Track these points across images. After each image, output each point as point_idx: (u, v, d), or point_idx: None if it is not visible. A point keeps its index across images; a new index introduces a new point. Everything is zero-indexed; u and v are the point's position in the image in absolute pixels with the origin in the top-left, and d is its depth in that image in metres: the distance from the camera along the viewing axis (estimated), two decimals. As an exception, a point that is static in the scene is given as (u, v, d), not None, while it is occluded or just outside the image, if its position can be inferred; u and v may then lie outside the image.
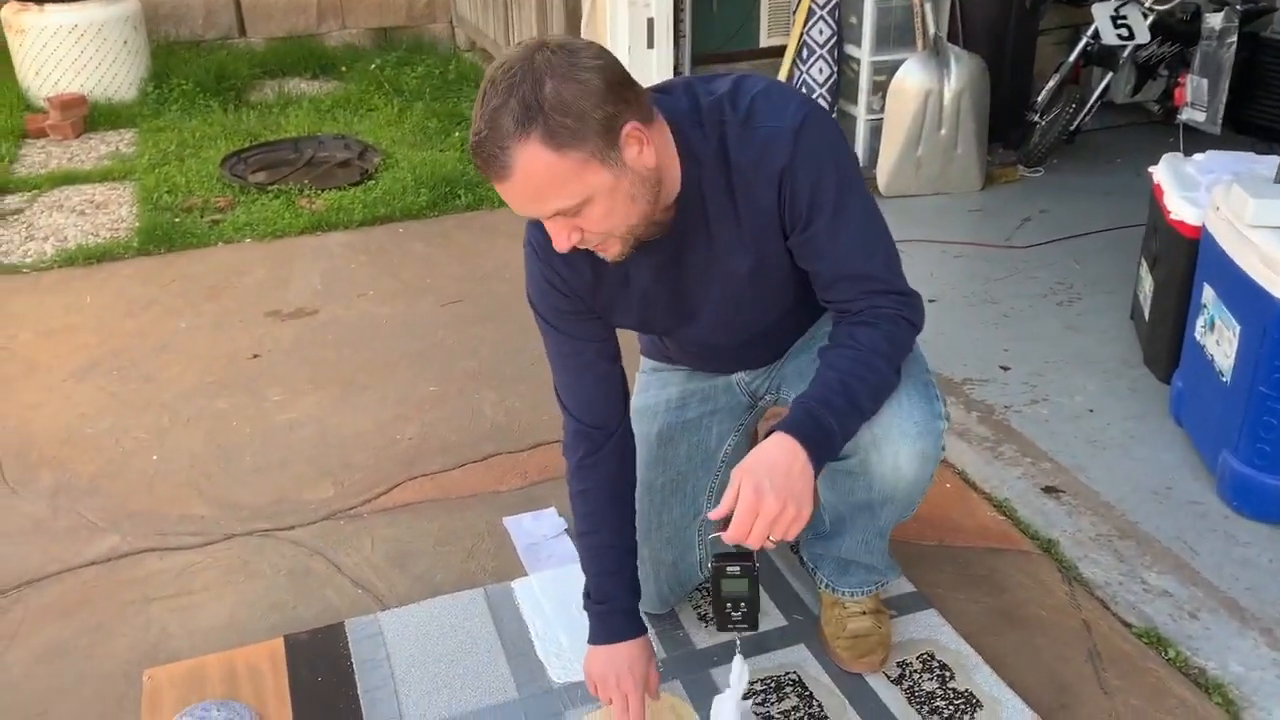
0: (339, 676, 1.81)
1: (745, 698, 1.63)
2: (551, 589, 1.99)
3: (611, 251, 1.42)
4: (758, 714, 1.72)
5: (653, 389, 1.90)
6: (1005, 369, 2.75)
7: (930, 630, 1.89)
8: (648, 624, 1.69)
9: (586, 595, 1.67)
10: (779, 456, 1.39)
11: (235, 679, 1.81)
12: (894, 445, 1.54)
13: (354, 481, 2.38)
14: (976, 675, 1.79)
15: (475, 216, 3.87)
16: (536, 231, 1.52)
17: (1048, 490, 2.29)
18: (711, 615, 1.52)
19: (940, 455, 1.61)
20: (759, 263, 1.52)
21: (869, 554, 1.77)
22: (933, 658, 1.83)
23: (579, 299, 1.57)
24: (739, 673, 1.51)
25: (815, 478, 1.42)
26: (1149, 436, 2.47)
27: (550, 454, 2.45)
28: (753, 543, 1.36)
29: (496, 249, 3.60)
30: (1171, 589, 2.00)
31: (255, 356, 2.96)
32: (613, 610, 1.64)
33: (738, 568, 1.48)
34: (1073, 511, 2.22)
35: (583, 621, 1.88)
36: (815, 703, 1.74)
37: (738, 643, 1.51)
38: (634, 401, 1.92)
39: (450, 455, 2.47)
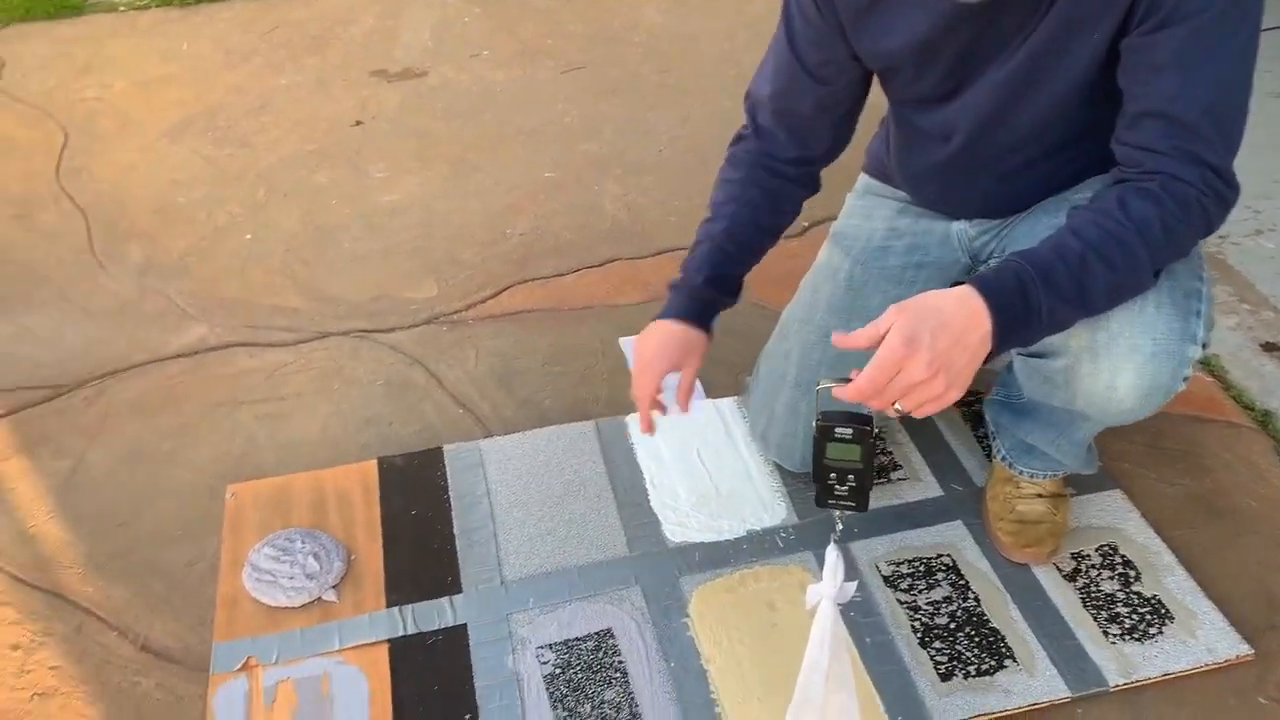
0: (435, 512, 1.64)
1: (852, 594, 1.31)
2: (671, 428, 1.75)
3: None
4: (902, 602, 1.49)
5: (856, 217, 1.59)
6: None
7: (1114, 516, 1.60)
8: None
9: (675, 279, 1.50)
10: (955, 313, 1.07)
11: (323, 504, 1.65)
12: (1115, 362, 1.20)
13: (459, 281, 2.15)
14: (1168, 579, 1.51)
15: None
16: None
17: (1267, 347, 1.91)
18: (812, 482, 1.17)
19: (1178, 389, 1.24)
20: (1058, 56, 1.18)
21: (1059, 453, 1.47)
22: (1115, 551, 1.55)
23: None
24: (834, 566, 1.19)
25: (990, 359, 1.10)
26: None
27: (677, 262, 2.14)
28: (878, 404, 1.07)
29: (626, 4, 3.17)
30: None
31: (358, 124, 2.69)
32: (679, 286, 1.47)
33: (849, 430, 1.11)
34: (1296, 378, 1.85)
35: (705, 472, 1.66)
36: (971, 595, 1.50)
37: (838, 526, 1.19)
38: (835, 226, 1.63)
39: (564, 258, 2.20)
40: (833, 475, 1.13)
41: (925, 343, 1.04)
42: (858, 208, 1.61)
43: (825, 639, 1.20)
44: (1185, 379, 1.22)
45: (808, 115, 1.41)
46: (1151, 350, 1.19)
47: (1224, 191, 1.13)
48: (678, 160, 2.44)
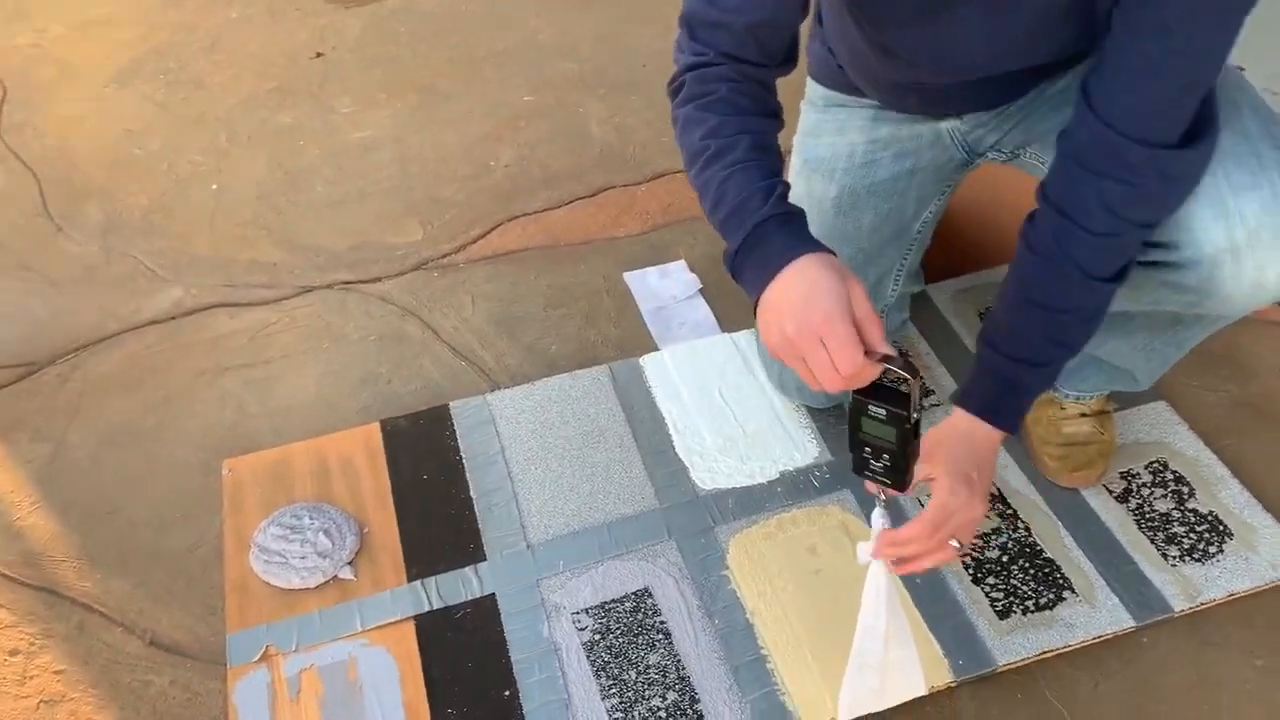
0: (448, 475, 1.54)
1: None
2: (688, 367, 1.66)
3: None
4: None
5: (827, 134, 1.44)
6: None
7: (1161, 430, 1.53)
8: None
9: (733, 237, 1.06)
10: (984, 444, 1.16)
11: (327, 475, 1.55)
12: (1264, 254, 1.08)
13: (444, 222, 2.02)
14: (1222, 492, 1.45)
15: None
16: None
17: (1299, 238, 1.83)
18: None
19: None
20: None
21: (1144, 359, 1.37)
22: (1165, 467, 1.48)
23: None
24: (879, 527, 1.13)
25: None
26: None
27: (674, 187, 2.04)
28: (942, 555, 1.12)
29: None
30: None
31: (318, 55, 2.52)
32: (773, 219, 1.03)
33: (883, 411, 1.00)
34: (1334, 268, 1.77)
35: (729, 412, 1.57)
36: (1020, 524, 1.43)
37: (880, 495, 1.11)
38: (802, 149, 1.48)
39: (554, 189, 2.07)
40: (867, 450, 1.04)
41: (975, 480, 1.11)
42: (825, 124, 1.45)
43: (881, 602, 1.14)
44: None
45: (783, 27, 1.16)
46: None
47: (1179, 172, 1.06)
48: (663, 75, 2.26)
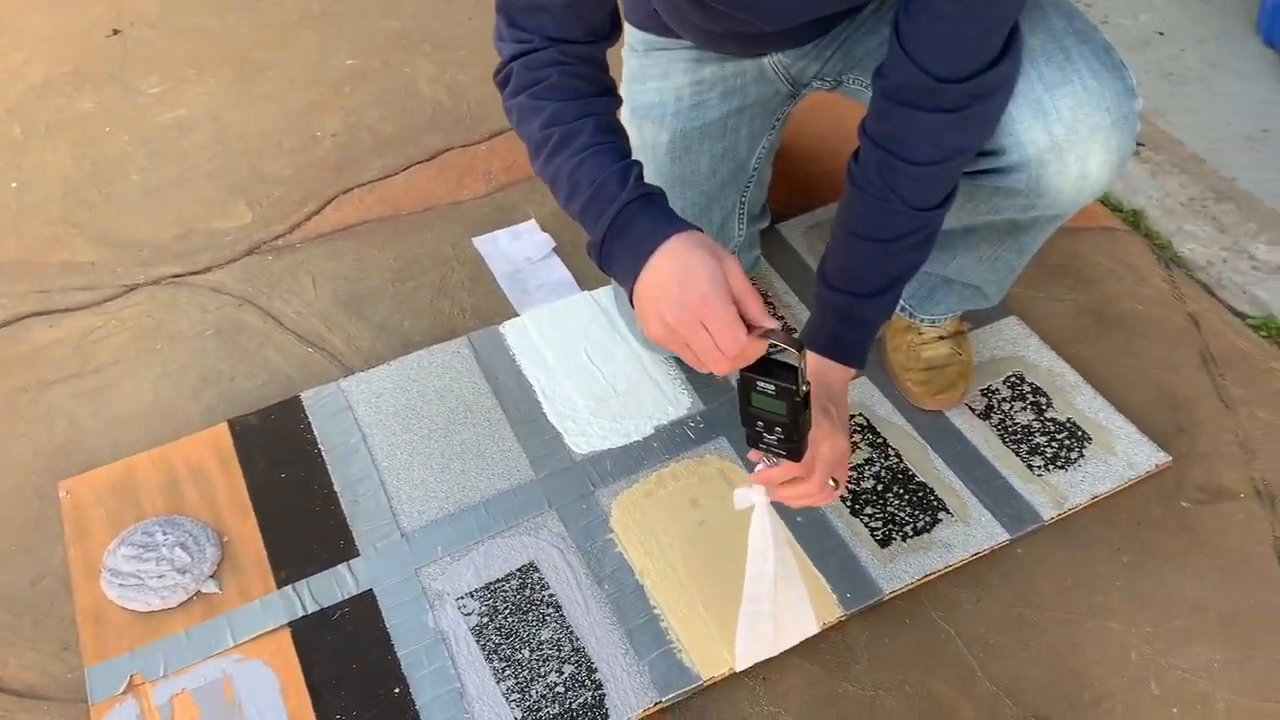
0: (307, 471, 1.46)
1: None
2: (551, 330, 1.61)
3: None
4: (826, 473, 1.43)
5: (652, 79, 1.40)
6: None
7: (1014, 344, 1.57)
8: None
9: (595, 228, 1.02)
10: (840, 385, 1.17)
11: (176, 485, 1.46)
12: (1083, 147, 1.10)
13: (273, 200, 1.90)
14: (1077, 399, 1.50)
15: None
16: None
17: (1123, 144, 1.90)
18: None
19: (1133, 149, 1.17)
20: None
21: (990, 271, 1.39)
22: (1022, 380, 1.52)
23: None
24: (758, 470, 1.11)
25: None
26: (1233, 63, 2.06)
27: (516, 144, 1.95)
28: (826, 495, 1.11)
29: None
30: (1285, 263, 1.69)
31: (115, 32, 2.33)
32: (635, 202, 1.00)
33: (772, 387, 0.97)
34: (1157, 170, 1.85)
35: (598, 373, 1.53)
36: (891, 452, 1.45)
37: (768, 462, 1.09)
38: (629, 97, 1.44)
39: (389, 155, 1.98)
40: (760, 424, 1.02)
41: (833, 413, 1.11)
42: (648, 69, 1.42)
43: (768, 546, 1.13)
44: (1137, 132, 1.15)
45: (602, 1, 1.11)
46: (1110, 121, 1.11)
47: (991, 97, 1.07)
48: (489, 27, 2.19)
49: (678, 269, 0.94)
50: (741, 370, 0.98)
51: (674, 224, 0.98)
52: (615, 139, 1.06)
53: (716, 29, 1.25)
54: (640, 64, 1.42)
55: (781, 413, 0.99)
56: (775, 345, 0.95)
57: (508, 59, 1.10)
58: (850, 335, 1.17)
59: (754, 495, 1.12)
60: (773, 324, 0.94)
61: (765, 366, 0.97)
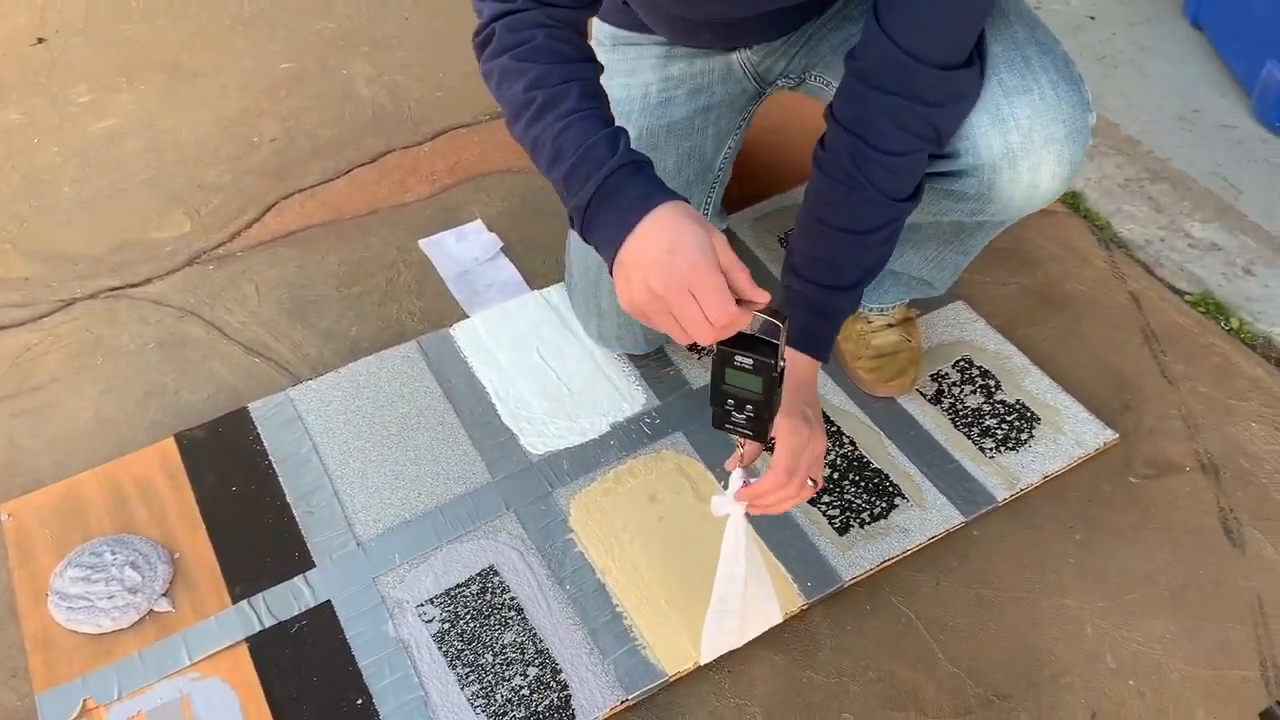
0: (258, 482, 1.44)
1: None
2: (502, 331, 1.60)
3: None
4: (782, 463, 1.44)
5: (619, 75, 1.40)
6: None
7: (962, 328, 1.59)
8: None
9: (581, 192, 0.99)
10: (808, 382, 1.17)
11: (124, 503, 1.42)
12: (1036, 157, 1.11)
13: (213, 209, 1.87)
14: (1025, 380, 1.52)
15: None
16: None
17: (1060, 128, 1.93)
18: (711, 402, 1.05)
19: (1082, 163, 1.18)
20: None
21: (936, 269, 1.41)
22: (971, 364, 1.54)
23: None
24: (738, 484, 1.11)
25: None
26: (1163, 45, 2.10)
27: (459, 144, 1.95)
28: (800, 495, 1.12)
29: None
30: (1219, 240, 1.73)
31: (40, 41, 2.27)
32: (625, 168, 0.97)
33: (750, 361, 0.97)
34: (1094, 153, 1.88)
35: (551, 372, 1.53)
36: (845, 440, 1.46)
37: (740, 444, 1.09)
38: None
39: (329, 158, 1.95)
40: (730, 401, 1.01)
41: (810, 415, 1.12)
42: (616, 65, 1.41)
43: (740, 550, 1.13)
44: (1088, 147, 1.17)
45: None
46: (1065, 134, 1.12)
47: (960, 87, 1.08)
48: (427, 26, 2.19)
49: (667, 237, 0.91)
50: (719, 344, 0.97)
51: (664, 192, 0.95)
52: (600, 105, 1.03)
53: (692, 15, 1.24)
54: (608, 59, 1.41)
55: (756, 390, 0.99)
56: (757, 319, 0.95)
57: (489, 19, 1.06)
58: (822, 328, 1.16)
59: (731, 505, 1.11)
60: (764, 296, 0.93)
61: (744, 341, 0.97)
